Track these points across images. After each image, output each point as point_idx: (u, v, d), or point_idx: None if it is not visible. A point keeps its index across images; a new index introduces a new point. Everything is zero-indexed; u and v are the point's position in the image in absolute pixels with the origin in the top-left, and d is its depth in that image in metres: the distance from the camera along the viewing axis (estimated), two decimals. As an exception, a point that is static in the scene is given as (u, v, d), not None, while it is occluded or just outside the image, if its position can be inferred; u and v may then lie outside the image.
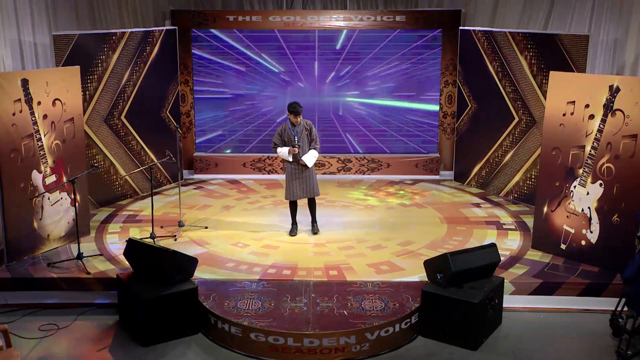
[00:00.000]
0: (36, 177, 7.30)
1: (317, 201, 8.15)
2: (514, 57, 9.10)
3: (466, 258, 6.30)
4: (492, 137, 9.65)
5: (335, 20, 10.33)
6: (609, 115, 6.76)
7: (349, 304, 6.35)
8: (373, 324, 5.99)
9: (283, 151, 7.78)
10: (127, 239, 6.81)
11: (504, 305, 6.58)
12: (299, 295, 6.51)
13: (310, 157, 7.82)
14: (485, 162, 9.84)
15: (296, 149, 7.70)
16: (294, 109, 7.70)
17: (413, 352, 6.05)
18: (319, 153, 7.96)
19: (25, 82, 7.08)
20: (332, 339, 5.85)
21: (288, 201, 8.05)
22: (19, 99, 7.04)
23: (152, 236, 7.72)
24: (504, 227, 8.33)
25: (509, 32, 9.13)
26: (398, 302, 6.37)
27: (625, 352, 5.76)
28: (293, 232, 8.07)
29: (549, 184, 7.38)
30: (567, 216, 7.25)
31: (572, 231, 7.24)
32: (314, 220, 8.12)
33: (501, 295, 6.52)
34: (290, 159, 7.79)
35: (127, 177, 9.34)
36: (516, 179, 9.39)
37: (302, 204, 8.13)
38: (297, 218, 8.17)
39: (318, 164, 10.34)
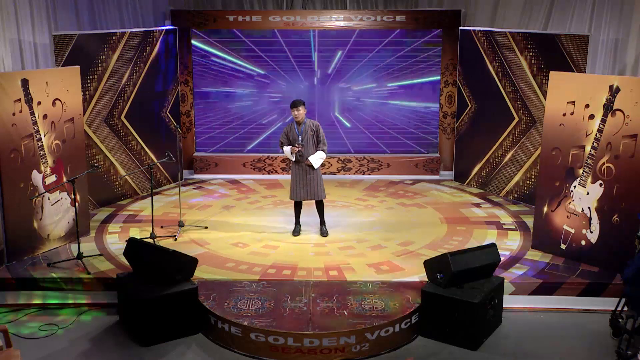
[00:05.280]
0: (36, 177, 7.30)
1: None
2: (514, 57, 9.10)
3: (466, 258, 6.30)
4: (492, 137, 9.65)
5: (335, 20, 10.34)
6: (609, 115, 6.76)
7: (349, 304, 6.35)
8: (373, 324, 5.99)
9: (287, 150, 7.77)
10: (128, 238, 6.81)
11: (504, 305, 6.58)
12: (299, 295, 6.51)
13: (316, 158, 7.76)
14: (485, 162, 9.84)
15: (296, 148, 7.68)
16: (292, 102, 7.70)
17: (413, 352, 6.05)
18: (326, 154, 7.90)
19: (25, 82, 7.08)
20: (332, 339, 5.85)
21: (293, 201, 8.05)
22: (19, 99, 7.05)
23: (152, 236, 7.72)
24: (504, 227, 8.33)
25: (509, 32, 9.13)
26: (398, 302, 6.37)
27: (625, 352, 5.75)
28: (296, 232, 8.07)
29: (549, 184, 7.39)
30: (567, 216, 7.25)
31: (572, 231, 7.24)
32: (322, 223, 8.10)
33: (501, 295, 6.52)
34: (293, 159, 7.77)
35: (127, 177, 9.34)
36: (516, 179, 9.39)
37: (307, 205, 8.13)
38: (306, 219, 8.17)
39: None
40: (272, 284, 6.76)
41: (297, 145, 7.69)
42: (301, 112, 7.69)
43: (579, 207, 7.13)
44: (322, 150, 7.83)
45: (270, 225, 8.44)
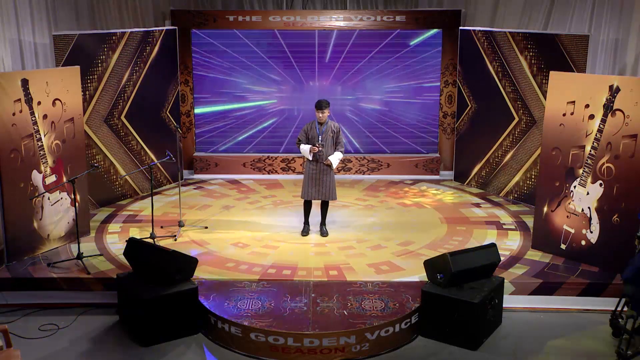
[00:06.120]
0: (36, 177, 7.30)
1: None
2: (514, 57, 9.10)
3: (466, 258, 6.30)
4: (492, 137, 9.65)
5: (335, 20, 10.33)
6: (609, 115, 6.76)
7: (349, 304, 6.35)
8: (373, 324, 5.99)
9: (305, 148, 7.76)
10: (127, 238, 6.81)
11: (504, 305, 6.58)
12: (299, 295, 6.51)
13: (335, 159, 7.81)
14: (485, 162, 9.84)
15: (316, 148, 7.69)
16: (318, 103, 7.69)
17: (413, 352, 6.06)
18: (343, 155, 7.96)
19: (25, 82, 7.08)
20: (332, 339, 5.85)
21: (303, 200, 8.04)
22: (19, 99, 7.04)
23: (152, 236, 7.72)
24: (504, 227, 8.33)
25: (509, 32, 9.13)
26: (398, 302, 6.37)
27: (625, 352, 5.76)
28: (304, 232, 8.07)
29: (549, 184, 7.39)
30: (567, 216, 7.25)
31: (572, 231, 7.24)
32: (323, 223, 8.11)
33: (501, 295, 6.52)
34: (310, 158, 7.77)
35: (127, 177, 9.34)
36: (516, 179, 9.39)
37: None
38: (309, 219, 8.18)
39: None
40: (272, 284, 6.76)
41: (317, 145, 7.69)
42: (326, 113, 7.71)
43: (579, 207, 7.13)
44: (340, 152, 7.87)
45: (270, 225, 8.44)
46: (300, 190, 7.96)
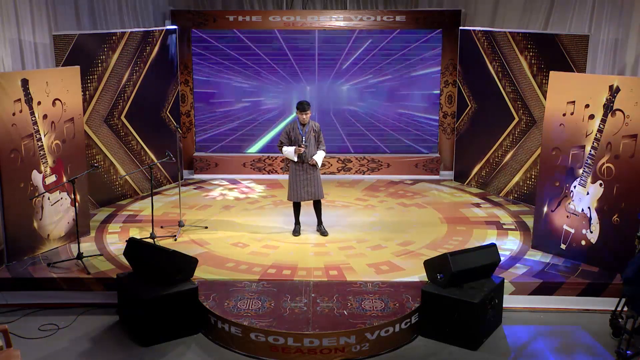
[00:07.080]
0: (36, 177, 7.30)
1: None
2: (514, 57, 9.10)
3: (466, 258, 6.30)
4: (492, 137, 9.65)
5: (335, 20, 10.34)
6: (609, 115, 6.76)
7: (349, 304, 6.35)
8: (373, 324, 5.99)
9: (289, 150, 7.76)
10: (127, 238, 6.80)
11: (504, 305, 6.58)
12: (299, 295, 6.51)
13: (319, 158, 7.84)
14: (485, 162, 9.84)
15: (302, 149, 7.69)
16: (301, 105, 7.70)
17: (413, 352, 6.06)
18: (326, 153, 8.01)
19: (25, 82, 7.08)
20: (332, 339, 5.85)
21: (292, 202, 8.05)
22: (19, 99, 7.05)
23: (152, 236, 7.72)
24: (504, 227, 8.33)
25: (509, 32, 9.13)
26: (398, 302, 6.37)
27: (625, 352, 5.76)
28: (296, 232, 8.07)
29: (549, 184, 7.39)
30: (567, 216, 7.25)
31: (572, 231, 7.24)
32: (319, 222, 8.11)
33: (501, 295, 6.52)
34: (296, 159, 7.77)
35: (127, 177, 9.34)
36: (516, 179, 9.39)
37: (305, 204, 8.14)
38: (304, 219, 8.18)
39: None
40: (272, 284, 6.76)
41: (302, 145, 7.69)
42: (309, 114, 7.73)
43: (579, 207, 7.13)
44: (323, 150, 7.90)
45: (270, 225, 8.44)
46: (287, 193, 7.96)
